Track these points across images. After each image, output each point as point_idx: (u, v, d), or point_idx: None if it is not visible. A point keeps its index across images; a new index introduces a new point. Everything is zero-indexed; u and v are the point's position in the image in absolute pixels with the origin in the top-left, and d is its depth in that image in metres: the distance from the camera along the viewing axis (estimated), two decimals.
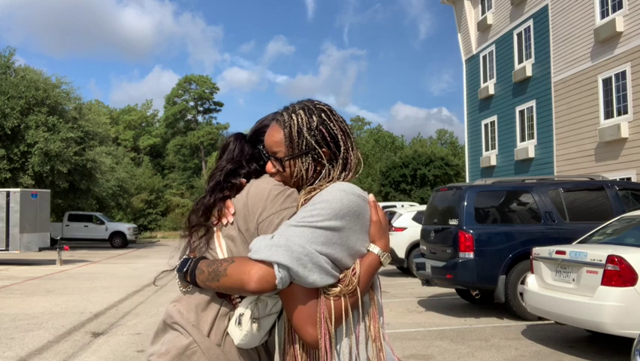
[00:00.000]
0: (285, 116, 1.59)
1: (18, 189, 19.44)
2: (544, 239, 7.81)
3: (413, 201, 31.44)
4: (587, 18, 16.75)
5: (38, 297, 10.74)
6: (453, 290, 10.08)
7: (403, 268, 14.32)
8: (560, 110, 18.07)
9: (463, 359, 5.88)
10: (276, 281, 1.38)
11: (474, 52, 24.24)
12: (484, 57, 23.39)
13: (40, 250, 19.87)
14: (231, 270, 1.45)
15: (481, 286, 8.23)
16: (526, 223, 8.35)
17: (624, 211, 7.80)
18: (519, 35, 20.73)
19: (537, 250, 6.74)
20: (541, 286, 6.50)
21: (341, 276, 1.45)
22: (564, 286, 6.09)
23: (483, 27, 23.18)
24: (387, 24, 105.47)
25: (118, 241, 29.89)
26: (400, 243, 13.45)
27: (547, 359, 5.85)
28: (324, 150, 1.57)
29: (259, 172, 1.69)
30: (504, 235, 8.22)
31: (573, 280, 5.98)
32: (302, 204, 1.50)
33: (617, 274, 5.42)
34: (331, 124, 1.58)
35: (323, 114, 1.59)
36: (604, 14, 16.12)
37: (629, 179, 14.41)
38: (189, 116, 60.84)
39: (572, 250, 6.06)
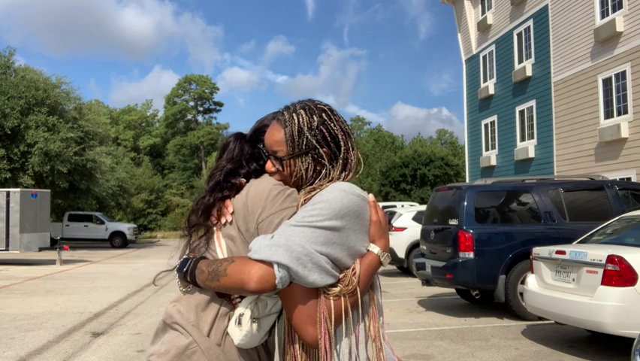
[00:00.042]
0: (285, 115, 1.59)
1: (18, 189, 19.44)
2: (544, 239, 7.81)
3: (413, 201, 31.44)
4: (587, 18, 16.75)
5: (38, 297, 10.75)
6: (453, 290, 10.08)
7: (403, 268, 14.32)
8: (560, 110, 18.07)
9: (463, 359, 5.88)
10: (276, 281, 1.38)
11: (474, 52, 24.24)
12: (484, 57, 23.40)
13: (40, 250, 19.87)
14: (231, 270, 1.45)
15: (481, 286, 8.23)
16: (526, 223, 8.35)
17: (624, 211, 7.80)
18: (519, 35, 20.73)
19: (537, 250, 6.74)
20: (541, 286, 6.50)
21: (341, 276, 1.45)
22: (564, 286, 6.09)
23: (483, 27, 23.19)
24: (387, 24, 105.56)
25: (118, 241, 29.90)
26: (400, 243, 13.45)
27: (547, 359, 5.85)
28: (324, 149, 1.57)
29: (259, 172, 1.68)
30: (504, 235, 8.22)
31: (573, 280, 5.98)
32: (302, 204, 1.50)
33: (617, 274, 5.42)
34: (332, 124, 1.58)
35: (324, 114, 1.59)
36: (604, 14, 16.12)
37: (629, 179, 14.41)
38: (189, 116, 60.85)
39: (572, 250, 6.06)
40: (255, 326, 1.49)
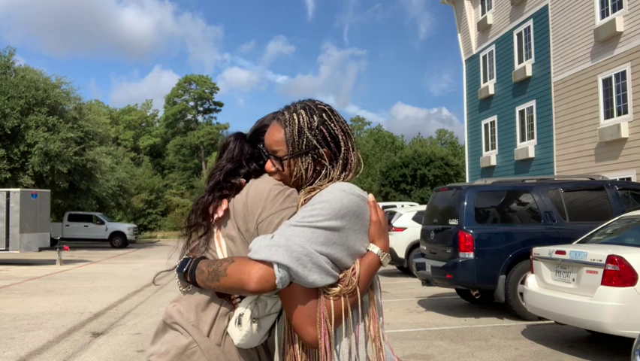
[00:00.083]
0: (286, 115, 1.59)
1: (18, 189, 19.44)
2: (544, 239, 7.81)
3: (413, 201, 31.44)
4: (587, 18, 16.75)
5: (38, 297, 10.75)
6: (453, 290, 10.08)
7: (403, 268, 14.32)
8: (560, 110, 18.07)
9: (463, 359, 5.88)
10: (276, 281, 1.38)
11: (474, 52, 24.24)
12: (484, 57, 23.40)
13: (40, 250, 19.87)
14: (231, 270, 1.45)
15: (481, 286, 8.23)
16: (526, 223, 8.35)
17: (624, 211, 7.80)
18: (519, 35, 20.73)
19: (537, 250, 6.74)
20: (541, 286, 6.50)
21: (341, 276, 1.45)
22: (564, 286, 6.09)
23: (483, 27, 23.19)
24: (387, 24, 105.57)
25: (118, 241, 29.90)
26: (400, 243, 13.45)
27: (547, 359, 5.85)
28: (324, 149, 1.57)
29: (259, 172, 1.68)
30: (504, 235, 8.22)
31: (573, 280, 5.98)
32: (302, 204, 1.50)
33: (617, 274, 5.42)
34: (332, 124, 1.58)
35: (324, 114, 1.59)
36: (604, 14, 16.12)
37: (629, 179, 14.41)
38: (189, 116, 60.85)
39: (572, 250, 6.06)
40: (254, 326, 1.50)
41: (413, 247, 13.16)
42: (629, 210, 7.87)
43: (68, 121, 25.94)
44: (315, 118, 1.57)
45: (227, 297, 1.57)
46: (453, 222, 8.35)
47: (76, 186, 27.47)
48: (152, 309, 9.19)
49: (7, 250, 18.77)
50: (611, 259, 5.49)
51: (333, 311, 1.43)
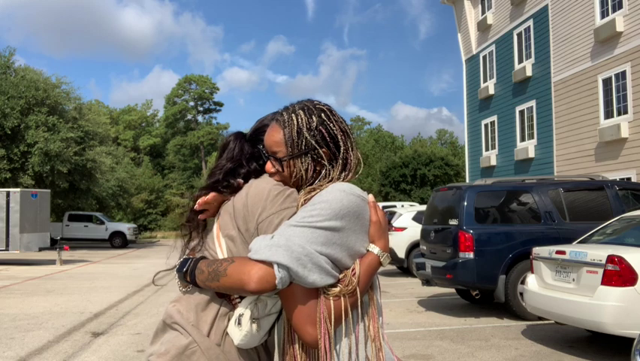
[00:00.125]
0: (284, 116, 1.59)
1: (18, 189, 19.44)
2: (544, 239, 7.81)
3: (413, 201, 31.44)
4: (587, 18, 16.75)
5: (38, 297, 10.75)
6: (453, 290, 10.08)
7: (403, 268, 14.32)
8: (560, 110, 18.07)
9: (463, 359, 5.88)
10: (276, 281, 1.38)
11: (474, 52, 24.24)
12: (484, 57, 23.40)
13: (40, 250, 19.87)
14: (231, 270, 1.45)
15: (481, 286, 8.23)
16: (526, 223, 8.35)
17: (624, 211, 7.80)
18: (519, 35, 20.73)
19: (537, 250, 6.74)
20: (541, 286, 6.50)
21: (341, 276, 1.45)
22: (564, 286, 6.09)
23: (483, 27, 23.19)
24: (387, 24, 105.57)
25: (118, 241, 29.90)
26: (400, 243, 13.45)
27: (547, 359, 5.85)
28: (323, 150, 1.57)
29: (259, 171, 1.69)
30: (504, 235, 8.22)
31: (573, 280, 5.98)
32: (302, 205, 1.50)
33: (617, 274, 5.42)
34: (331, 124, 1.58)
35: (323, 114, 1.59)
36: (604, 14, 16.12)
37: (629, 179, 14.41)
38: (189, 116, 60.85)
39: (572, 250, 6.06)
40: (254, 326, 1.50)
41: (413, 247, 13.16)
42: (629, 210, 7.87)
43: (68, 121, 25.94)
44: (314, 118, 1.57)
45: (227, 297, 1.57)
46: (453, 222, 8.35)
47: (77, 186, 27.48)
48: (152, 309, 9.19)
49: (7, 250, 18.77)
50: (611, 259, 5.49)
51: (333, 311, 1.43)
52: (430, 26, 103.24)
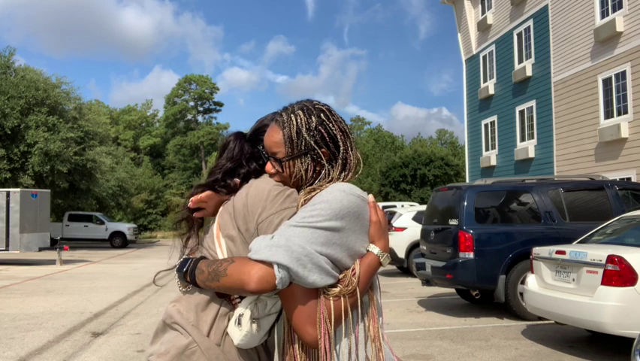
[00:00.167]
0: (284, 116, 1.59)
1: (18, 189, 19.44)
2: (544, 239, 7.81)
3: (413, 201, 31.44)
4: (587, 18, 16.75)
5: (38, 297, 10.75)
6: (453, 290, 10.08)
7: (403, 268, 14.32)
8: (560, 110, 18.07)
9: (463, 359, 5.88)
10: (276, 281, 1.38)
11: (474, 52, 24.24)
12: (484, 57, 23.40)
13: (40, 250, 19.87)
14: (231, 270, 1.45)
15: (481, 286, 8.23)
16: (526, 223, 8.35)
17: (624, 211, 7.80)
18: (519, 35, 20.73)
19: (537, 250, 6.74)
20: (541, 286, 6.50)
21: (341, 276, 1.45)
22: (564, 286, 6.09)
23: (483, 27, 23.19)
24: (387, 24, 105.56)
25: (118, 241, 29.90)
26: (400, 243, 13.45)
27: (547, 359, 5.85)
28: (323, 150, 1.57)
29: (259, 172, 1.69)
30: (504, 235, 8.22)
31: (573, 280, 5.98)
32: (302, 205, 1.50)
33: (617, 274, 5.42)
34: (330, 124, 1.58)
35: (322, 114, 1.59)
36: (604, 14, 16.12)
37: (629, 179, 14.41)
38: (189, 116, 60.84)
39: (572, 250, 6.06)
40: (254, 326, 1.50)
41: (413, 247, 13.16)
42: (629, 210, 7.87)
43: (68, 121, 25.94)
44: (313, 118, 1.57)
45: (227, 297, 1.57)
46: (453, 222, 8.35)
47: (77, 186, 27.48)
48: (152, 309, 9.19)
49: (7, 250, 18.77)
50: (611, 259, 5.49)
51: (332, 312, 1.43)
52: (430, 26, 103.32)
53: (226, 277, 1.45)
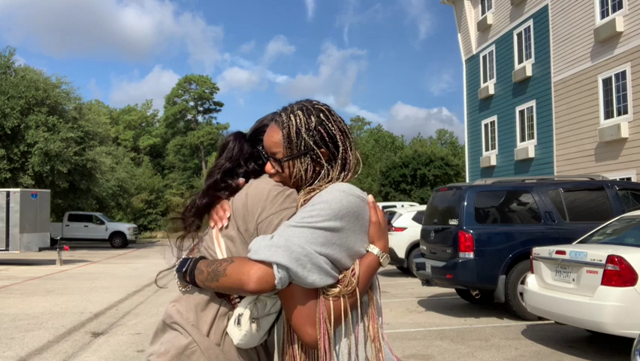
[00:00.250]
0: (283, 116, 1.59)
1: (18, 189, 19.44)
2: (544, 239, 7.81)
3: (413, 201, 31.43)
4: (587, 18, 16.75)
5: (38, 297, 10.75)
6: (453, 290, 10.07)
7: (403, 268, 14.32)
8: (560, 110, 18.07)
9: (463, 359, 5.88)
10: (276, 281, 1.38)
11: (474, 52, 24.24)
12: (484, 57, 23.40)
13: (40, 250, 19.87)
14: (231, 270, 1.45)
15: (481, 286, 8.23)
16: (526, 223, 8.35)
17: (624, 211, 7.80)
18: (519, 35, 20.73)
19: (537, 250, 6.74)
20: (541, 286, 6.50)
21: (340, 276, 1.45)
22: (564, 286, 6.09)
23: (483, 27, 23.19)
24: (387, 24, 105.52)
25: (118, 241, 29.89)
26: (400, 243, 13.45)
27: (547, 359, 5.85)
28: (322, 150, 1.57)
29: (258, 172, 1.69)
30: (504, 235, 8.22)
31: (573, 280, 5.98)
32: (301, 205, 1.50)
33: (617, 274, 5.42)
34: (330, 124, 1.58)
35: (321, 114, 1.59)
36: (604, 14, 16.12)
37: (629, 179, 14.41)
38: (189, 116, 60.84)
39: (572, 250, 6.06)
40: (254, 326, 1.50)
41: (413, 247, 13.16)
42: (629, 210, 7.87)
43: (68, 121, 25.94)
44: (313, 118, 1.57)
45: (226, 297, 1.57)
46: (453, 222, 8.35)
47: (77, 186, 27.48)
48: (152, 309, 9.19)
49: (7, 250, 18.77)
50: (611, 259, 5.49)
51: (332, 312, 1.43)
52: (430, 26, 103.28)
53: (225, 277, 1.45)
